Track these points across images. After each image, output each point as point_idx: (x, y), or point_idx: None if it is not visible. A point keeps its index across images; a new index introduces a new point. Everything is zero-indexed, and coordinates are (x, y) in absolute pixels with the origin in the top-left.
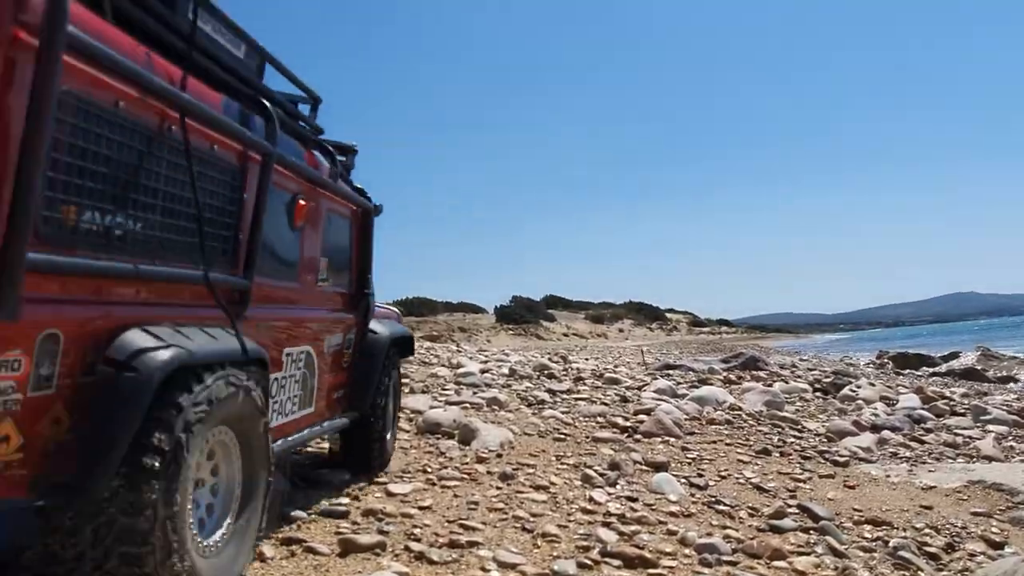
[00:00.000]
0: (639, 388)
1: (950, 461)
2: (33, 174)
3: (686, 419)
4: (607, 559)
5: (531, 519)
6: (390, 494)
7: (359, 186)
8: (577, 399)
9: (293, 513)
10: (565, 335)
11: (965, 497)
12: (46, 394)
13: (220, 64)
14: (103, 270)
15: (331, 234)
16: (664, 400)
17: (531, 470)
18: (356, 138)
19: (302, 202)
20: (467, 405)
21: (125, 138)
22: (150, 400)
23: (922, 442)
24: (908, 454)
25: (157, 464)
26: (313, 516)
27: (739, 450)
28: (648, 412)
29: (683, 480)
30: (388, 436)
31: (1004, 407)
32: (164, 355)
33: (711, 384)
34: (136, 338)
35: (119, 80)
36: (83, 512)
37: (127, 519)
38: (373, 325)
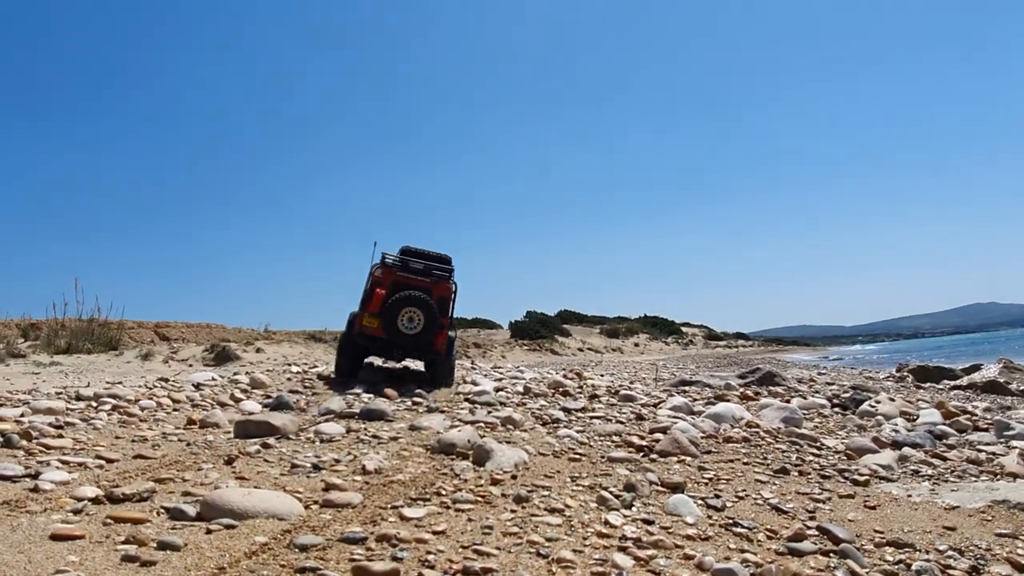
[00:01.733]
0: (655, 405)
1: (973, 479)
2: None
3: (702, 437)
4: None
5: (546, 544)
6: (404, 518)
7: (455, 280)
8: (592, 417)
9: (307, 540)
10: (580, 350)
11: (989, 517)
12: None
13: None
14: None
15: (451, 300)
16: (680, 418)
17: (546, 492)
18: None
19: (454, 298)
20: (481, 424)
21: (451, 301)
22: (453, 341)
23: (944, 459)
24: (930, 472)
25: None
26: (328, 542)
27: (757, 469)
28: (664, 430)
29: (700, 501)
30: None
31: None
32: (453, 332)
33: (728, 400)
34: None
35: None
36: (444, 359)
37: (451, 360)
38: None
